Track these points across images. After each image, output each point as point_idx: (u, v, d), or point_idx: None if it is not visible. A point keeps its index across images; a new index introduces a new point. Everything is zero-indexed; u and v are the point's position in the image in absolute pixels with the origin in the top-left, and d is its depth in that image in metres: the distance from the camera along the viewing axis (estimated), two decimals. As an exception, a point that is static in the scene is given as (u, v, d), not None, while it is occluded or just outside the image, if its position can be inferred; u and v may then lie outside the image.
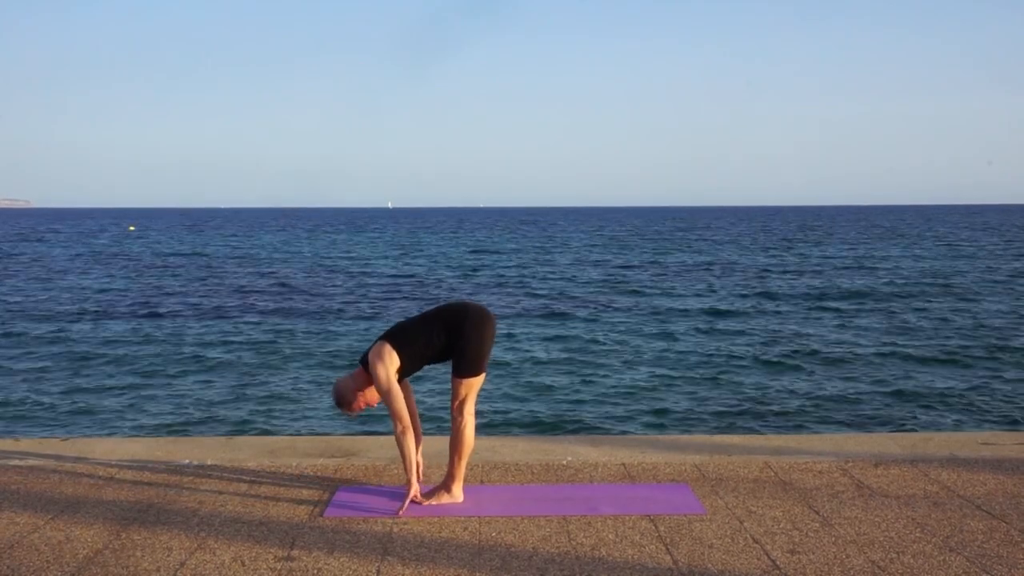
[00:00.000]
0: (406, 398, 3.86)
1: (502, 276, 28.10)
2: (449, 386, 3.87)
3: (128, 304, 20.06)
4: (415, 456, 3.79)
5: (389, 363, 3.72)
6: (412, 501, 3.80)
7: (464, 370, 3.77)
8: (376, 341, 3.83)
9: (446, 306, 3.91)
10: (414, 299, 21.22)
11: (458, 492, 3.84)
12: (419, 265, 33.39)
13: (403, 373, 3.80)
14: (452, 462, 3.82)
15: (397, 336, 3.80)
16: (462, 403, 3.80)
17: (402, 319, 4.01)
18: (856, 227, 76.29)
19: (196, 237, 61.90)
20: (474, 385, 3.81)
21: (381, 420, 9.44)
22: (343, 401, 3.89)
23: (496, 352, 13.27)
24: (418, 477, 3.86)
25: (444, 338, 3.78)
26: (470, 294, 22.55)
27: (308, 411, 9.78)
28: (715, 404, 9.96)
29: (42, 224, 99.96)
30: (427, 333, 3.79)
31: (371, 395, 3.87)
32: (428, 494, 3.85)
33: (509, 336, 14.57)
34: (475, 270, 30.67)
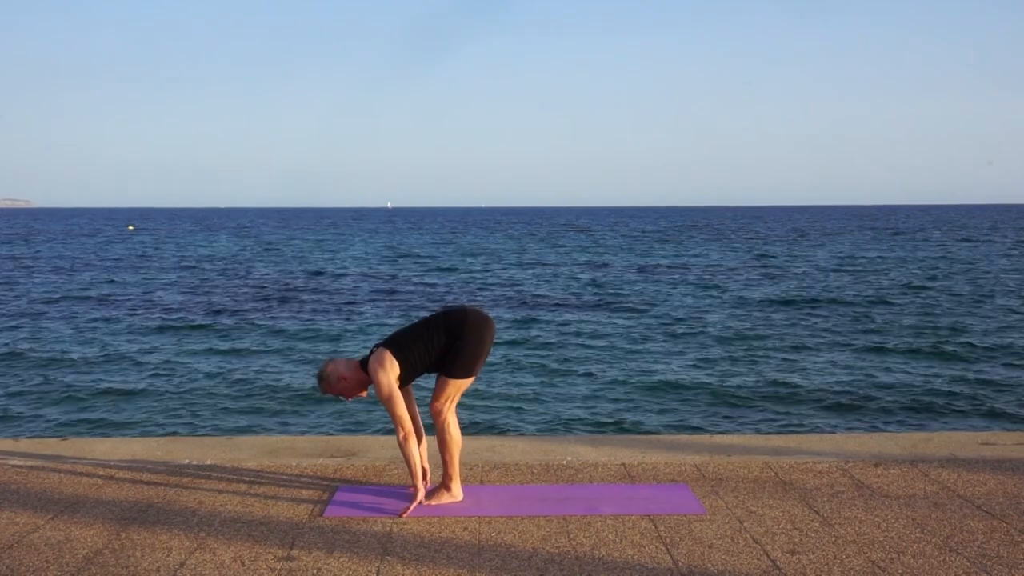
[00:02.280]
0: (408, 403, 3.85)
1: (498, 276, 28.10)
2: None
3: (126, 304, 20.06)
4: (420, 461, 3.79)
5: (390, 370, 3.73)
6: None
7: (456, 371, 3.76)
8: (375, 348, 3.83)
9: (446, 311, 3.90)
10: (411, 298, 21.23)
11: (457, 490, 3.85)
12: (411, 267, 33.39)
13: (404, 380, 3.80)
14: (445, 461, 3.83)
15: (397, 343, 3.80)
16: (447, 402, 3.80)
17: (401, 326, 4.00)
18: (854, 227, 76.27)
19: (193, 237, 61.90)
20: (463, 387, 3.82)
21: (381, 420, 9.44)
22: (325, 381, 3.86)
23: (496, 352, 13.27)
24: (425, 481, 3.87)
25: (445, 343, 3.78)
26: (456, 294, 22.56)
27: (308, 411, 9.78)
28: (715, 404, 9.96)
29: (41, 223, 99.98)
30: (427, 339, 3.79)
31: (353, 391, 3.87)
32: (428, 494, 3.85)
33: (508, 336, 14.57)
34: (468, 271, 30.68)
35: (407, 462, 3.75)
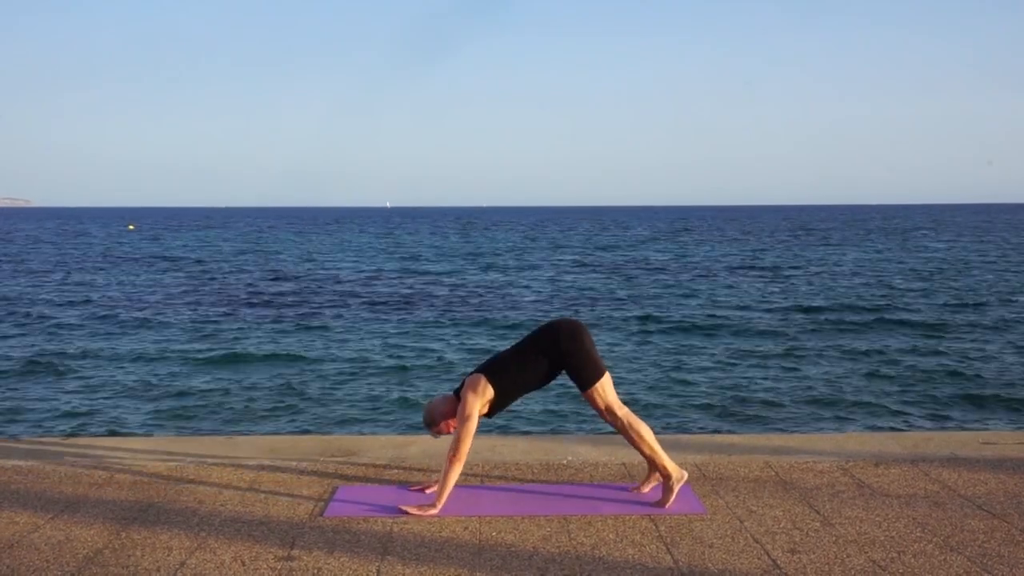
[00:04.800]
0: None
1: (494, 279, 28.10)
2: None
3: (127, 304, 20.06)
4: (452, 487, 3.76)
5: (481, 395, 3.77)
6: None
7: (586, 381, 3.79)
8: (471, 373, 3.86)
9: (535, 333, 3.93)
10: (407, 297, 21.23)
11: (678, 470, 3.81)
12: (404, 265, 33.38)
13: (498, 406, 3.84)
14: (649, 456, 3.81)
15: (492, 369, 3.83)
16: (608, 408, 3.81)
17: (498, 352, 4.02)
18: (855, 228, 76.27)
19: (192, 237, 61.90)
20: (605, 387, 3.81)
21: (382, 420, 9.44)
22: (430, 421, 3.94)
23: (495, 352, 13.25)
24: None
25: (543, 364, 3.81)
26: (445, 295, 22.55)
27: (309, 410, 9.78)
28: (716, 404, 9.95)
29: (42, 224, 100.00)
30: (522, 363, 3.82)
31: (453, 421, 3.91)
32: (661, 500, 3.78)
33: (508, 336, 14.57)
34: (463, 272, 30.69)
35: (443, 482, 3.72)
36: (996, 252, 38.01)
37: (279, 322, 16.75)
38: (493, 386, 3.79)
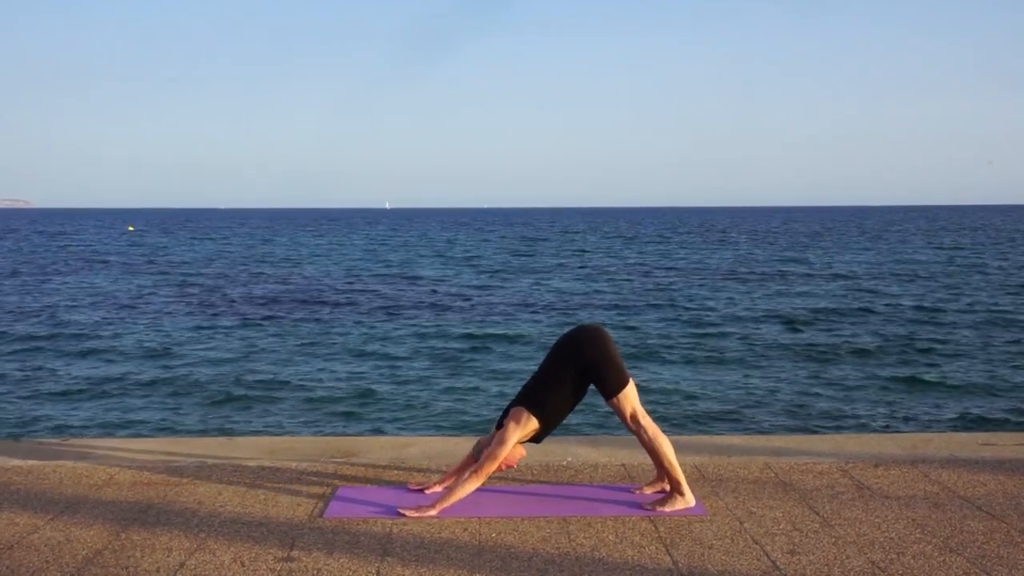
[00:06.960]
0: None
1: (501, 279, 28.10)
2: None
3: (125, 306, 20.05)
4: (460, 499, 3.77)
5: (523, 427, 3.79)
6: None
7: (611, 388, 3.80)
8: (511, 407, 3.86)
9: (557, 346, 3.92)
10: (407, 298, 21.24)
11: (690, 495, 3.79)
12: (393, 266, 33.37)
13: (543, 433, 3.86)
14: (667, 470, 3.78)
15: (532, 400, 3.83)
16: (633, 416, 3.80)
17: (529, 379, 3.99)
18: (854, 230, 76.28)
19: (192, 237, 61.89)
20: (630, 395, 3.82)
21: (381, 420, 9.45)
22: (479, 457, 3.93)
23: (494, 354, 13.26)
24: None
25: (573, 377, 3.81)
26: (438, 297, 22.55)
27: (308, 411, 9.77)
28: (715, 405, 9.96)
29: (43, 224, 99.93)
30: (555, 383, 3.82)
31: (510, 456, 3.90)
32: (661, 502, 3.78)
33: (506, 335, 14.57)
34: (459, 276, 30.67)
35: (454, 491, 3.73)
36: (995, 255, 38.02)
37: (277, 322, 16.74)
38: (536, 416, 3.80)
